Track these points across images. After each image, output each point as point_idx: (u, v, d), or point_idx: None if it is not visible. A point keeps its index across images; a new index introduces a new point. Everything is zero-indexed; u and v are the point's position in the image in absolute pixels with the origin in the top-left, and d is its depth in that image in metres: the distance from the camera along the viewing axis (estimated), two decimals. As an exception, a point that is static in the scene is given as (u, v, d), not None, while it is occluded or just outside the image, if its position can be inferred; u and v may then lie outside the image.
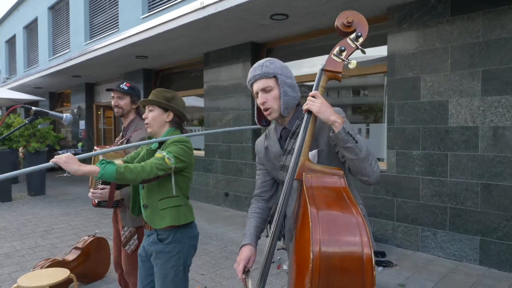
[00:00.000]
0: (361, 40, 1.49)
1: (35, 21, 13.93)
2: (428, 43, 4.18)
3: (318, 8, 4.49)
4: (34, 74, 10.85)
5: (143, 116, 2.14)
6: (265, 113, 1.57)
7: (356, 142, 1.36)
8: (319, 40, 5.56)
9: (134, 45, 6.46)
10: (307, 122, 1.45)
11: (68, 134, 13.22)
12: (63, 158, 1.63)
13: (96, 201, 2.43)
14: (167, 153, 1.90)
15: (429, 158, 4.23)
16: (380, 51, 4.84)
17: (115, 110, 2.65)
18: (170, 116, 2.10)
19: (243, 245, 1.63)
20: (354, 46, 1.49)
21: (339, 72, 1.49)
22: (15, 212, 6.63)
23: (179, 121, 2.18)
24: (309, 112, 1.44)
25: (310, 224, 1.26)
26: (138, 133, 2.61)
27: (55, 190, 8.88)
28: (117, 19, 8.99)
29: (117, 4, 8.92)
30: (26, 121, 1.58)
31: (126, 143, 2.63)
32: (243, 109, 6.31)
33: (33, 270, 3.11)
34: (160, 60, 7.84)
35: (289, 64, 5.95)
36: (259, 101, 1.56)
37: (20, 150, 8.23)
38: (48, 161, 1.58)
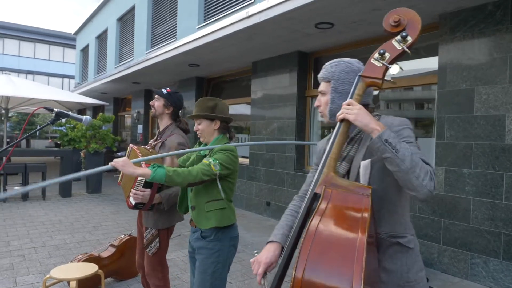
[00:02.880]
0: (409, 40, 1.31)
1: (105, 31, 15.07)
2: (484, 52, 3.85)
3: (364, 16, 4.34)
4: (100, 80, 11.70)
5: (195, 129, 2.30)
6: (321, 113, 1.53)
7: (397, 152, 1.22)
8: (368, 49, 5.36)
9: (186, 53, 6.71)
10: (336, 132, 1.35)
11: (127, 137, 14.05)
12: (120, 162, 1.84)
13: (133, 203, 2.53)
14: (213, 160, 2.05)
15: (482, 177, 3.86)
16: (431, 62, 4.55)
17: (152, 110, 2.79)
18: (217, 124, 2.24)
19: (270, 242, 1.50)
20: (400, 48, 1.32)
21: (379, 79, 1.33)
22: (72, 208, 7.14)
23: (227, 125, 2.30)
24: (341, 121, 1.35)
25: (302, 240, 1.18)
26: (174, 137, 2.71)
27: (110, 189, 9.45)
28: (175, 29, 9.44)
29: (176, 15, 9.37)
30: (49, 122, 1.69)
31: (161, 145, 2.74)
32: (288, 118, 6.26)
33: (70, 263, 3.30)
34: (211, 69, 8.07)
35: None
36: (316, 103, 1.54)
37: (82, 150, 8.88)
38: (105, 162, 1.76)
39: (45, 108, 1.72)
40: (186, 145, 2.67)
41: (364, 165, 1.39)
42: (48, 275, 2.69)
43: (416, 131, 5.14)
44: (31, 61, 28.00)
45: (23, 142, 20.73)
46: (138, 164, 2.06)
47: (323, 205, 1.24)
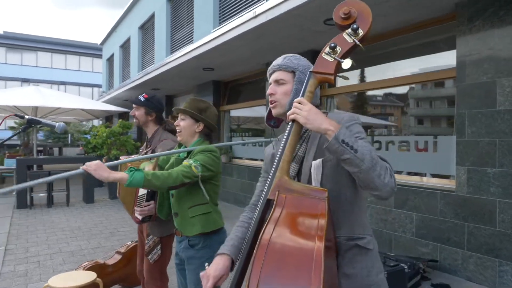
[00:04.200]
0: (360, 33, 1.25)
1: (128, 40, 15.42)
2: (506, 41, 3.55)
3: (374, 9, 4.09)
4: (122, 88, 11.94)
5: (175, 123, 2.20)
6: (270, 105, 1.44)
7: (356, 151, 1.14)
8: (383, 45, 5.12)
9: (199, 57, 6.68)
10: (288, 133, 1.26)
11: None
12: (93, 166, 1.72)
13: (140, 218, 2.48)
14: (194, 161, 1.95)
15: (509, 177, 3.56)
16: (448, 56, 4.27)
17: (134, 120, 2.72)
18: (200, 127, 2.14)
19: (218, 254, 1.39)
20: (352, 41, 1.26)
21: (331, 74, 1.27)
22: (93, 214, 7.25)
23: (209, 133, 2.20)
24: (293, 121, 1.25)
25: (255, 251, 1.06)
26: (164, 144, 2.64)
27: (133, 195, 9.55)
28: (192, 34, 9.48)
29: (193, 20, 9.41)
30: (20, 129, 1.65)
31: (152, 153, 2.67)
32: (303, 119, 6.08)
33: (75, 270, 3.29)
34: (226, 72, 8.01)
35: (351, 72, 5.60)
36: (267, 91, 1.45)
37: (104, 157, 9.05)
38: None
39: (16, 115, 1.68)
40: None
41: (315, 165, 1.31)
42: (46, 284, 2.66)
43: (435, 128, 4.85)
44: (63, 72, 29.14)
45: (56, 150, 21.49)
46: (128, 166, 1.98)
47: (276, 212, 1.15)
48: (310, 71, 1.30)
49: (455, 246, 3.98)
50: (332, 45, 1.26)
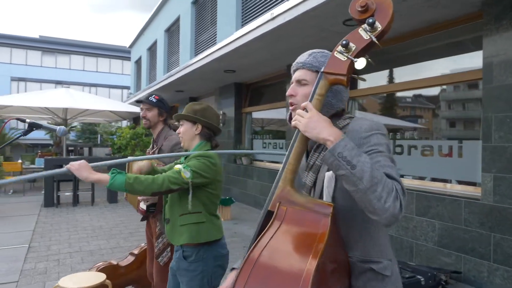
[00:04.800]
0: (378, 28, 1.10)
1: (155, 43, 15.71)
2: (537, 41, 3.33)
3: (396, 7, 3.96)
4: (147, 90, 12.16)
5: (177, 131, 2.16)
6: (290, 108, 1.31)
7: (353, 167, 1.01)
8: (410, 44, 4.94)
9: (219, 59, 6.69)
10: (293, 140, 1.17)
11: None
12: (76, 165, 1.70)
13: (145, 207, 2.48)
14: (184, 167, 1.87)
15: (539, 186, 3.33)
16: (474, 56, 4.06)
17: (143, 121, 2.72)
18: (199, 128, 2.09)
19: (233, 269, 1.33)
20: (368, 38, 1.12)
21: (343, 75, 1.13)
22: (115, 213, 7.40)
23: (209, 133, 2.13)
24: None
25: (241, 266, 1.00)
26: (170, 140, 2.64)
27: (155, 195, 9.70)
28: (215, 36, 9.53)
29: (216, 23, 9.47)
30: (21, 133, 1.67)
31: (158, 152, 2.67)
32: (323, 122, 5.96)
33: (88, 271, 3.34)
34: (248, 74, 7.99)
35: (378, 73, 5.44)
36: (287, 92, 1.31)
37: (128, 158, 9.25)
38: None
39: (18, 119, 1.70)
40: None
41: (328, 177, 1.19)
42: (56, 284, 2.70)
43: (460, 132, 4.61)
44: (94, 74, 30.10)
45: (86, 151, 22.18)
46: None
47: (274, 227, 1.07)
48: (321, 72, 1.17)
49: (480, 258, 3.77)
50: (344, 42, 1.13)
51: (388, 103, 5.57)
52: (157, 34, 15.19)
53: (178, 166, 1.87)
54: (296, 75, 1.30)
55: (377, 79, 5.48)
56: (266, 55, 6.22)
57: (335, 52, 1.15)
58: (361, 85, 5.75)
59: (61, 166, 9.70)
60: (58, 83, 27.25)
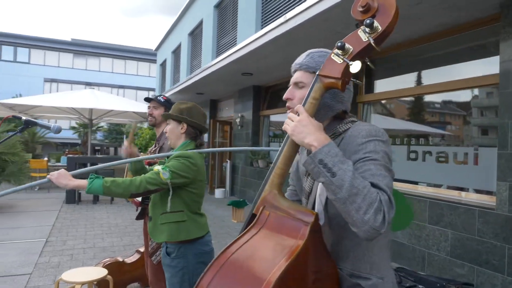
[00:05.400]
0: (378, 29, 1.03)
1: (179, 46, 16.01)
2: (557, 44, 3.17)
3: (410, 10, 3.89)
4: (170, 91, 12.39)
5: (164, 130, 2.21)
6: (288, 111, 1.24)
7: (333, 175, 0.97)
8: (429, 48, 4.81)
9: (236, 62, 6.73)
10: (284, 144, 1.14)
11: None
12: (55, 174, 1.77)
13: (140, 199, 2.54)
14: (163, 168, 1.89)
15: (556, 197, 3.16)
16: (491, 59, 3.91)
17: (149, 118, 2.79)
18: (184, 127, 2.12)
19: None
20: (366, 40, 1.05)
21: (337, 78, 1.07)
22: (132, 212, 7.56)
23: (194, 132, 2.15)
24: None
25: (215, 258, 1.00)
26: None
27: (173, 195, 9.85)
28: (236, 39, 9.62)
29: (237, 26, 9.55)
30: (18, 130, 1.74)
31: (159, 151, 2.73)
32: (337, 126, 5.89)
33: (94, 266, 3.43)
34: (265, 77, 8.00)
35: (394, 78, 5.34)
36: (284, 95, 1.26)
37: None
38: None
39: (14, 116, 1.77)
40: None
41: (321, 185, 1.14)
42: (59, 277, 2.79)
43: (476, 139, 4.44)
44: (122, 76, 30.97)
45: (112, 150, 22.81)
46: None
47: (254, 230, 1.06)
48: (317, 74, 1.11)
49: (494, 270, 3.61)
50: (340, 44, 1.07)
51: (402, 107, 5.44)
52: (181, 38, 15.46)
53: (157, 167, 1.89)
54: (293, 77, 1.25)
55: (392, 83, 5.37)
56: (281, 58, 6.21)
57: (332, 54, 1.10)
58: (377, 88, 5.66)
59: (83, 165, 10.03)
60: (88, 84, 28.18)
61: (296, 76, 1.23)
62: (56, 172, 1.76)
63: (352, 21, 4.20)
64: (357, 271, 1.12)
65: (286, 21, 4.69)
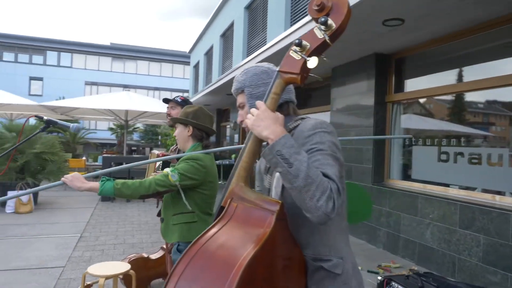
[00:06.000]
0: (332, 27, 1.11)
1: (211, 48, 16.26)
2: None
3: (438, 6, 3.74)
4: (201, 93, 12.62)
5: (174, 134, 2.28)
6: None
7: (290, 165, 1.04)
8: (458, 45, 4.62)
9: (264, 61, 6.74)
10: (247, 139, 1.22)
11: (227, 146, 14.79)
12: (69, 177, 1.86)
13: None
14: (171, 170, 1.96)
15: None
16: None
17: (168, 119, 2.86)
18: (190, 130, 2.19)
19: None
20: (322, 37, 1.13)
21: (296, 74, 1.15)
22: (162, 210, 7.77)
23: (200, 134, 2.19)
24: None
25: (189, 247, 1.05)
26: None
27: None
28: (265, 40, 9.64)
29: (267, 27, 9.58)
30: (40, 129, 1.84)
31: (179, 150, 2.80)
32: (366, 126, 5.77)
33: (121, 261, 3.55)
34: (294, 77, 7.96)
35: (426, 77, 5.18)
36: (238, 120, 1.42)
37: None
38: None
39: (36, 116, 1.88)
40: None
41: (277, 177, 1.23)
42: (86, 271, 2.92)
43: (492, 141, 4.19)
44: (157, 78, 31.87)
45: (147, 150, 23.47)
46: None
47: (222, 222, 1.11)
48: (277, 71, 1.20)
49: (529, 278, 3.41)
50: (297, 41, 1.14)
51: (433, 107, 5.25)
52: (213, 40, 15.69)
53: (166, 170, 1.96)
54: (237, 103, 1.39)
55: (423, 82, 5.19)
56: (309, 58, 6.16)
57: (290, 51, 1.18)
58: (407, 88, 5.49)
59: (119, 163, 10.43)
60: (126, 87, 29.19)
61: (237, 101, 1.39)
62: (70, 175, 1.85)
63: (378, 18, 4.13)
64: (318, 255, 1.20)
65: (311, 20, 4.65)
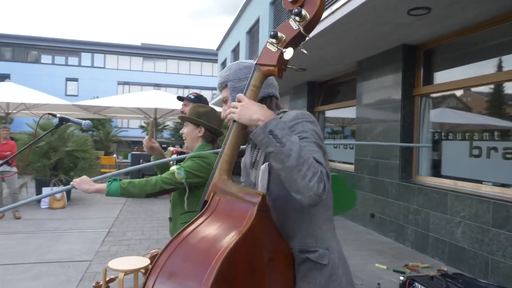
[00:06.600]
0: (307, 18, 1.12)
1: (238, 45, 16.30)
2: None
3: (466, -7, 3.55)
4: (227, 90, 12.68)
5: (180, 131, 2.28)
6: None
7: (282, 145, 1.05)
8: (488, 34, 4.36)
9: (287, 58, 6.66)
10: (229, 132, 1.22)
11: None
12: (78, 181, 1.91)
13: None
14: (178, 168, 1.96)
15: None
16: None
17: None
18: (201, 131, 2.17)
19: None
20: (297, 28, 1.13)
21: (273, 66, 1.16)
22: (189, 206, 7.87)
23: (211, 136, 2.19)
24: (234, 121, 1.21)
25: (172, 239, 1.07)
26: None
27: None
28: (290, 36, 9.54)
29: (291, 22, 9.48)
30: (54, 127, 1.89)
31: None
32: (392, 121, 5.58)
33: (143, 256, 3.61)
34: (319, 72, 7.83)
35: (457, 68, 4.94)
36: (222, 115, 1.43)
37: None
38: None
39: (49, 113, 1.92)
40: None
41: (262, 170, 1.23)
42: (106, 265, 2.98)
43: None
44: (187, 77, 32.35)
45: (177, 147, 23.87)
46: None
47: (205, 215, 1.12)
48: (255, 63, 1.21)
49: None
50: (272, 33, 1.14)
51: (464, 99, 4.99)
52: (240, 36, 15.73)
53: (172, 168, 1.95)
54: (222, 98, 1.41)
55: (453, 74, 4.94)
56: (332, 51, 6.03)
57: (267, 43, 1.18)
58: (437, 80, 5.25)
59: (147, 161, 10.66)
60: (156, 85, 29.82)
61: (222, 96, 1.38)
62: (78, 178, 1.89)
63: (403, 8, 3.95)
64: (304, 247, 1.20)
65: (333, 12, 4.54)
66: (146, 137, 2.31)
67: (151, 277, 0.98)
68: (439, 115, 5.34)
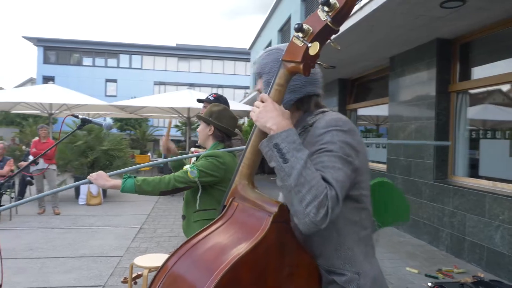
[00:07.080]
0: (336, 6, 0.95)
1: (270, 43, 16.26)
2: None
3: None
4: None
5: (198, 130, 2.30)
6: None
7: (285, 161, 0.94)
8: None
9: (316, 56, 6.55)
10: (251, 134, 1.14)
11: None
12: (94, 176, 1.95)
13: None
14: (191, 167, 1.98)
15: None
16: None
17: None
18: (211, 130, 2.19)
19: None
20: (324, 19, 0.98)
21: (298, 62, 1.01)
22: (219, 205, 7.95)
23: (221, 136, 2.20)
24: None
25: (183, 243, 1.05)
26: None
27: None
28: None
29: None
30: (77, 128, 1.95)
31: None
32: (427, 118, 5.34)
33: (169, 253, 3.68)
34: (349, 69, 7.64)
35: (496, 63, 4.68)
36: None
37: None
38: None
39: (72, 115, 1.98)
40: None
41: None
42: (132, 262, 3.06)
43: None
44: (221, 76, 32.76)
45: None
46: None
47: (221, 220, 1.09)
48: (281, 60, 1.07)
49: None
50: (297, 26, 1.00)
51: (505, 95, 4.69)
52: (272, 35, 15.69)
53: (186, 166, 1.97)
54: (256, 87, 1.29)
55: (492, 68, 4.66)
56: (362, 47, 5.86)
57: (293, 37, 1.03)
58: (474, 75, 4.98)
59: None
60: (191, 85, 30.38)
61: (257, 87, 1.25)
62: (95, 173, 1.94)
63: (434, 1, 3.77)
64: (331, 267, 1.08)
65: (361, 7, 4.41)
66: (163, 136, 2.34)
67: (158, 278, 0.99)
68: (477, 112, 5.06)
